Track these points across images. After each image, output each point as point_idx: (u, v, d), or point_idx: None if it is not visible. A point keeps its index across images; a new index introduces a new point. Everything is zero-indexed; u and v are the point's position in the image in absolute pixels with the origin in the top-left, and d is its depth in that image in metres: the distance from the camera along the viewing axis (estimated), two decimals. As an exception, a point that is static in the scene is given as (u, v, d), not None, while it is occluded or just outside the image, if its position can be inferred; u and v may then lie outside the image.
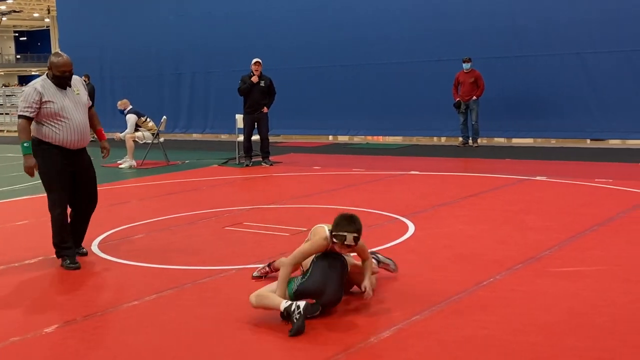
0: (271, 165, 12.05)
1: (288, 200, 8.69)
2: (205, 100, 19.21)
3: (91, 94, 18.86)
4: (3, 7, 57.41)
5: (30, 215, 8.19)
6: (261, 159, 12.29)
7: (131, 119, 12.88)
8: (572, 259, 5.47)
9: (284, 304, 4.23)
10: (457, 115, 14.24)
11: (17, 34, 69.76)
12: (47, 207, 5.94)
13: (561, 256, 5.55)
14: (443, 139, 15.83)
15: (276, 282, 4.49)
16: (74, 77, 5.92)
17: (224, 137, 18.72)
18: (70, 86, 5.85)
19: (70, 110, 5.78)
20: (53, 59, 5.75)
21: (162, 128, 13.28)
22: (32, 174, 5.80)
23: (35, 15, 61.53)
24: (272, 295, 4.37)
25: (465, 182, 9.69)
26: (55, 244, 5.93)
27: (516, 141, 14.83)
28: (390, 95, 15.89)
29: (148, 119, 13.13)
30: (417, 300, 4.58)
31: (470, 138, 14.24)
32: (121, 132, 13.13)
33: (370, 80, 16.11)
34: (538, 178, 9.53)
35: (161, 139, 13.15)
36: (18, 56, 66.88)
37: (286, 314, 4.18)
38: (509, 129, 14.73)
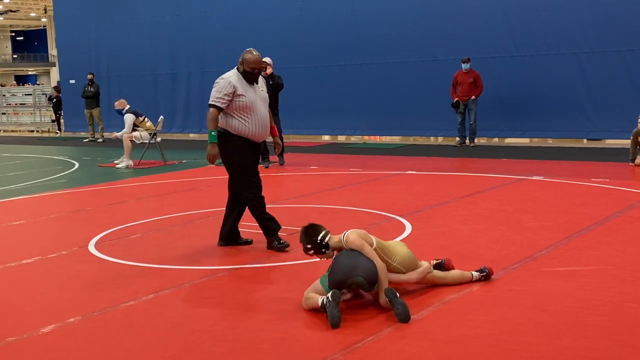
0: (282, 165, 12.06)
1: (285, 200, 8.69)
2: (202, 99, 19.17)
3: (96, 93, 19.04)
4: (0, 7, 57.30)
5: (27, 215, 8.19)
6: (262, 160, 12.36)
7: (129, 118, 12.87)
8: (569, 258, 5.48)
9: (319, 300, 4.31)
10: (455, 115, 14.26)
11: (13, 34, 69.60)
12: (242, 196, 6.16)
13: (557, 256, 5.56)
14: (440, 139, 15.86)
15: (315, 281, 4.53)
16: None
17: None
18: (257, 82, 6.08)
19: (258, 105, 6.03)
20: (246, 55, 5.97)
21: (159, 128, 13.27)
22: (212, 162, 6.02)
23: (32, 14, 61.42)
24: (313, 295, 4.43)
25: (462, 182, 9.70)
26: (264, 220, 6.17)
27: (513, 141, 14.85)
28: (388, 95, 15.90)
29: (146, 119, 13.12)
30: (414, 300, 4.58)
31: (467, 138, 14.26)
32: (118, 132, 13.12)
33: (367, 80, 16.12)
34: (534, 178, 9.55)
35: (158, 139, 13.14)
36: (15, 56, 66.73)
37: (323, 309, 4.27)
38: (506, 129, 14.76)
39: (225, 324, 4.31)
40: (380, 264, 4.48)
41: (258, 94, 6.07)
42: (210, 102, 5.97)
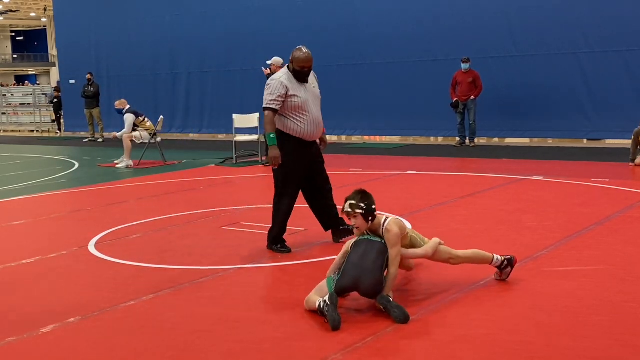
0: None
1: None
2: (202, 99, 19.23)
3: (96, 93, 19.05)
4: (0, 7, 57.29)
5: (28, 215, 8.19)
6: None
7: (129, 118, 12.87)
8: (569, 258, 5.48)
9: (317, 303, 4.31)
10: (454, 115, 14.26)
11: (13, 34, 69.60)
12: (274, 196, 6.17)
13: (557, 256, 5.56)
14: (440, 139, 15.85)
15: (321, 282, 4.52)
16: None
17: (221, 136, 18.73)
18: (308, 81, 6.01)
19: (310, 104, 5.97)
20: (295, 53, 5.93)
21: (159, 128, 13.27)
22: (276, 164, 5.94)
23: (32, 14, 61.41)
24: (314, 297, 4.41)
25: (462, 182, 9.70)
26: (273, 236, 6.07)
27: (513, 141, 14.84)
28: (387, 95, 15.90)
29: (146, 119, 13.12)
30: (414, 300, 4.58)
31: (467, 138, 14.26)
32: (118, 132, 13.13)
33: (367, 80, 16.12)
34: (534, 178, 9.55)
35: (158, 139, 13.15)
36: (15, 56, 66.75)
37: (320, 313, 4.26)
38: (506, 129, 14.75)
39: (226, 324, 4.31)
40: (394, 273, 4.48)
41: (310, 92, 6.02)
42: (264, 106, 5.91)
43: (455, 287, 4.82)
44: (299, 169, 6.04)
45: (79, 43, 21.57)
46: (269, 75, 12.20)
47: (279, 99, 5.85)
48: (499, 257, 4.87)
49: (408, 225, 4.69)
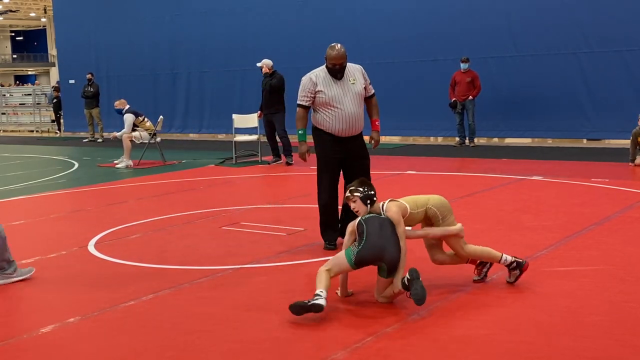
0: (289, 164, 12.12)
1: (285, 200, 8.70)
2: (201, 99, 19.23)
3: (96, 93, 19.05)
4: (0, 7, 57.28)
5: (27, 215, 8.19)
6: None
7: (129, 118, 12.86)
8: (568, 258, 5.48)
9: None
10: (454, 115, 14.26)
11: (13, 34, 69.59)
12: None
13: (557, 256, 5.57)
14: (440, 139, 15.85)
15: (338, 254, 4.59)
16: (355, 66, 6.13)
17: (220, 136, 18.73)
18: (342, 77, 6.02)
19: (340, 99, 5.98)
20: (327, 50, 5.99)
21: (158, 128, 13.27)
22: (304, 159, 6.21)
23: (32, 14, 61.40)
24: (325, 269, 4.48)
25: (462, 182, 9.70)
26: (320, 224, 6.20)
27: (512, 141, 14.84)
28: (387, 95, 15.80)
29: (146, 119, 13.11)
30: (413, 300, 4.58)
31: (467, 138, 14.26)
32: (118, 132, 13.12)
33: (366, 80, 16.10)
34: (534, 178, 9.55)
35: (158, 139, 13.14)
36: (14, 56, 66.73)
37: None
38: (505, 129, 14.76)
39: (226, 324, 4.31)
40: (405, 248, 4.54)
41: (347, 89, 6.02)
42: (297, 102, 6.10)
43: (454, 288, 4.82)
44: (329, 163, 6.10)
45: (79, 43, 21.56)
46: (265, 74, 12.26)
47: (309, 95, 6.02)
48: (508, 257, 4.83)
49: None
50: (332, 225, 6.12)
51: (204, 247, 6.36)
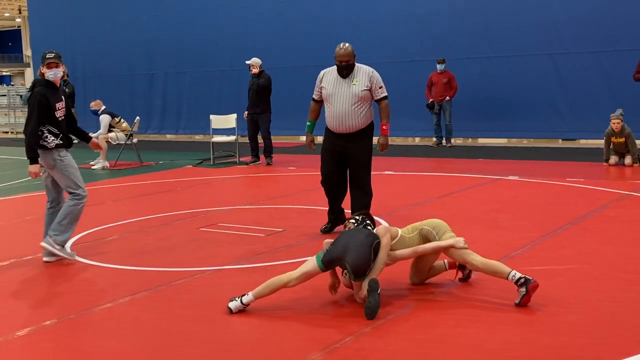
0: (268, 165, 12.15)
1: (264, 200, 8.69)
2: (178, 100, 19.14)
3: (71, 94, 18.90)
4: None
5: (2, 218, 8.11)
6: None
7: (105, 119, 12.78)
8: (544, 257, 5.53)
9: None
10: (431, 116, 14.33)
11: (-13, 34, 68.83)
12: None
13: (533, 255, 5.62)
14: (417, 139, 15.92)
15: (310, 258, 4.60)
16: (364, 68, 6.42)
17: (198, 137, 18.65)
18: (348, 76, 6.36)
19: (334, 97, 6.38)
20: (336, 49, 6.33)
21: (135, 129, 13.19)
22: (310, 148, 6.80)
23: (6, 15, 60.67)
24: (289, 275, 4.54)
25: (439, 182, 9.76)
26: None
27: (489, 141, 14.96)
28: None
29: (122, 120, 13.03)
30: (392, 300, 4.60)
31: (444, 138, 14.34)
32: (94, 133, 13.01)
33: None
34: (510, 178, 9.63)
35: (134, 140, 13.06)
36: (-12, 56, 66.00)
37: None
38: (482, 129, 14.86)
39: (204, 326, 4.29)
40: (383, 258, 4.54)
41: (345, 87, 6.35)
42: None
43: (433, 287, 4.84)
44: (325, 155, 6.61)
45: (54, 43, 21.26)
46: (254, 75, 12.21)
47: (317, 89, 6.57)
48: (516, 274, 4.45)
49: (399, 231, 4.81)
50: (333, 210, 6.66)
51: (182, 248, 6.34)
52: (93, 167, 12.57)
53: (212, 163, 12.63)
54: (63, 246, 6.00)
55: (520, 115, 14.25)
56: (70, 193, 6.13)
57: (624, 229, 6.37)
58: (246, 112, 12.53)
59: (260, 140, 12.41)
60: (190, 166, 12.48)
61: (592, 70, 13.53)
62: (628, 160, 10.37)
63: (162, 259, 5.94)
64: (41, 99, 5.88)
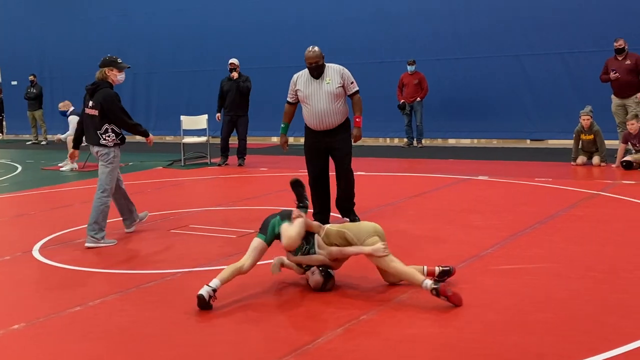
0: (240, 166, 12.15)
1: (235, 201, 8.65)
2: (148, 101, 18.98)
3: (39, 95, 18.64)
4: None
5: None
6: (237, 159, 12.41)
7: (73, 120, 12.60)
8: (514, 256, 5.59)
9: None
10: (402, 117, 14.40)
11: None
12: None
13: (503, 254, 5.67)
14: (388, 140, 15.99)
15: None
16: (333, 66, 6.72)
17: (168, 138, 18.52)
18: (320, 76, 6.66)
19: (312, 97, 6.66)
20: (305, 52, 6.61)
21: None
22: (283, 148, 7.21)
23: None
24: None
25: (410, 182, 9.81)
26: (312, 201, 6.86)
27: (459, 141, 15.08)
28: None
29: (90, 121, 12.88)
30: (363, 300, 4.61)
31: (415, 139, 14.43)
32: (62, 134, 12.87)
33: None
34: (480, 178, 9.71)
35: (104, 141, 12.91)
36: (-47, 56, 64.85)
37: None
38: (452, 130, 14.98)
39: (175, 328, 4.26)
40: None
41: (320, 87, 6.64)
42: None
43: (405, 287, 4.86)
44: (307, 153, 6.92)
45: (22, 43, 21.09)
46: (232, 76, 12.06)
47: (291, 92, 6.84)
48: (429, 283, 4.47)
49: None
50: (316, 206, 6.89)
51: (153, 250, 6.29)
52: (61, 169, 12.44)
53: (183, 164, 12.56)
54: (104, 238, 6.49)
55: (489, 116, 14.39)
56: (102, 190, 6.61)
57: (592, 228, 6.46)
58: (218, 114, 12.44)
59: (231, 141, 12.36)
60: (161, 167, 12.40)
61: (559, 71, 13.71)
62: (596, 160, 10.51)
63: (132, 261, 5.89)
64: (119, 98, 6.78)
